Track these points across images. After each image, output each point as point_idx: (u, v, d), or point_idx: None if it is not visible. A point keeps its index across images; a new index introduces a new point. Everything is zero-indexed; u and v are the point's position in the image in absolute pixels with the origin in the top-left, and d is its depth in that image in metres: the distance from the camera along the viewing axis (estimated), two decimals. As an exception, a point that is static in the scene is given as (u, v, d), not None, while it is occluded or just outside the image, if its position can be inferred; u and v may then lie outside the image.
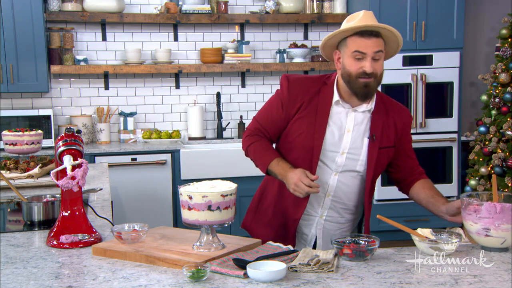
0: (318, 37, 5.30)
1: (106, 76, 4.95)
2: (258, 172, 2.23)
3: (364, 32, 1.98)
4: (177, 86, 5.09)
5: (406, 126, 2.17)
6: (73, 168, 1.89)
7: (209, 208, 1.75)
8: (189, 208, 1.77)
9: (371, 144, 2.09)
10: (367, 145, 2.09)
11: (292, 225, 2.16)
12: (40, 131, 3.15)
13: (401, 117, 2.16)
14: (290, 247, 1.80)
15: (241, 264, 1.60)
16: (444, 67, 4.80)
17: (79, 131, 2.05)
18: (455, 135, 4.88)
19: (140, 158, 4.50)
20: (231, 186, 1.82)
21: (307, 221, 2.18)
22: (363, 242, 1.78)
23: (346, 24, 2.01)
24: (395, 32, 2.02)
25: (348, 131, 2.09)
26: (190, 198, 1.75)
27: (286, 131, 2.13)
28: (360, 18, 1.99)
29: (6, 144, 3.06)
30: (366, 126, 2.10)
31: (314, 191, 1.98)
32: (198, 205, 1.75)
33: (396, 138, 2.14)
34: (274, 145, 2.22)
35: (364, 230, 2.27)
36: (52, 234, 1.94)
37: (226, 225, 1.79)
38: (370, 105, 2.10)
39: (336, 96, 2.09)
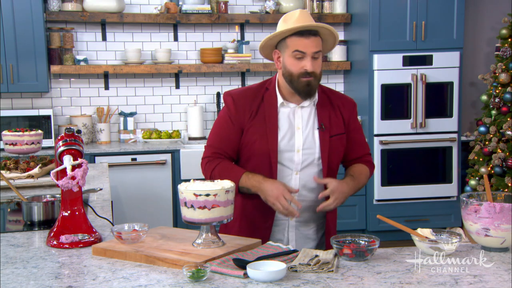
0: (318, 37, 5.29)
1: (106, 76, 4.95)
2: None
3: (303, 32, 2.03)
4: (177, 86, 5.10)
5: (352, 114, 2.23)
6: (73, 168, 1.89)
7: (208, 205, 1.75)
8: (189, 206, 1.77)
9: (321, 134, 2.13)
10: (319, 136, 2.13)
11: (265, 233, 2.14)
12: (40, 131, 3.15)
13: (345, 105, 2.22)
14: (290, 247, 1.80)
15: (241, 264, 1.61)
16: (444, 67, 4.80)
17: (79, 131, 2.05)
18: (455, 135, 4.88)
19: (140, 158, 4.51)
20: (230, 184, 1.83)
21: (279, 226, 2.17)
22: (363, 242, 1.78)
23: (284, 25, 2.06)
24: (332, 30, 2.08)
25: (298, 128, 2.13)
26: (190, 196, 1.76)
27: (242, 144, 2.15)
28: (297, 18, 2.04)
29: (6, 144, 3.07)
30: (314, 119, 2.15)
31: (293, 212, 2.00)
32: (197, 203, 1.76)
33: (345, 126, 2.20)
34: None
35: (326, 221, 2.21)
36: (52, 234, 1.94)
37: (225, 222, 1.81)
38: (314, 98, 2.15)
39: (280, 99, 2.14)
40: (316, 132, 2.14)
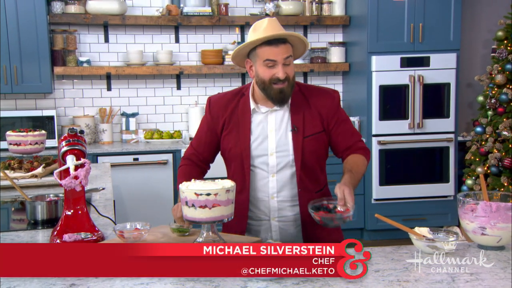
0: (317, 39, 5.33)
1: (108, 77, 4.98)
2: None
3: (272, 41, 2.05)
4: (178, 87, 5.13)
5: (330, 109, 2.20)
6: (76, 168, 1.91)
7: (209, 204, 1.78)
8: (190, 205, 1.80)
9: (294, 136, 2.15)
10: (292, 138, 2.15)
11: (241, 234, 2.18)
12: (43, 132, 3.16)
13: (323, 102, 2.20)
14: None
15: None
16: (441, 68, 4.84)
17: (82, 132, 2.07)
18: (452, 135, 4.92)
19: (142, 158, 4.54)
20: (231, 183, 1.85)
21: (262, 226, 2.21)
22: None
23: (253, 35, 2.07)
24: (301, 37, 2.10)
25: (270, 131, 2.16)
26: (191, 195, 1.79)
27: (222, 149, 2.24)
28: (266, 27, 2.06)
29: (10, 144, 3.08)
30: (288, 122, 2.17)
31: (179, 221, 2.05)
32: (198, 202, 1.78)
33: (324, 123, 2.19)
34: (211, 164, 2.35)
35: (301, 217, 2.22)
36: (55, 232, 1.96)
37: (225, 221, 1.84)
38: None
39: (252, 104, 2.17)
40: (289, 134, 2.15)
